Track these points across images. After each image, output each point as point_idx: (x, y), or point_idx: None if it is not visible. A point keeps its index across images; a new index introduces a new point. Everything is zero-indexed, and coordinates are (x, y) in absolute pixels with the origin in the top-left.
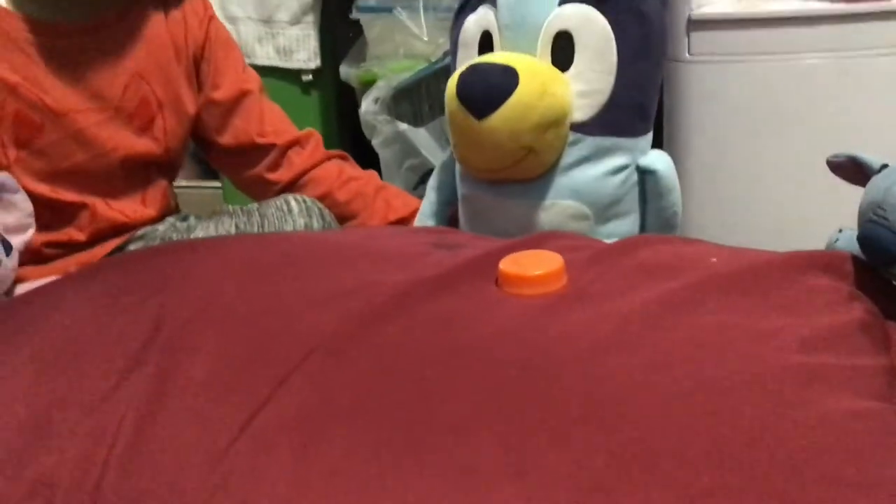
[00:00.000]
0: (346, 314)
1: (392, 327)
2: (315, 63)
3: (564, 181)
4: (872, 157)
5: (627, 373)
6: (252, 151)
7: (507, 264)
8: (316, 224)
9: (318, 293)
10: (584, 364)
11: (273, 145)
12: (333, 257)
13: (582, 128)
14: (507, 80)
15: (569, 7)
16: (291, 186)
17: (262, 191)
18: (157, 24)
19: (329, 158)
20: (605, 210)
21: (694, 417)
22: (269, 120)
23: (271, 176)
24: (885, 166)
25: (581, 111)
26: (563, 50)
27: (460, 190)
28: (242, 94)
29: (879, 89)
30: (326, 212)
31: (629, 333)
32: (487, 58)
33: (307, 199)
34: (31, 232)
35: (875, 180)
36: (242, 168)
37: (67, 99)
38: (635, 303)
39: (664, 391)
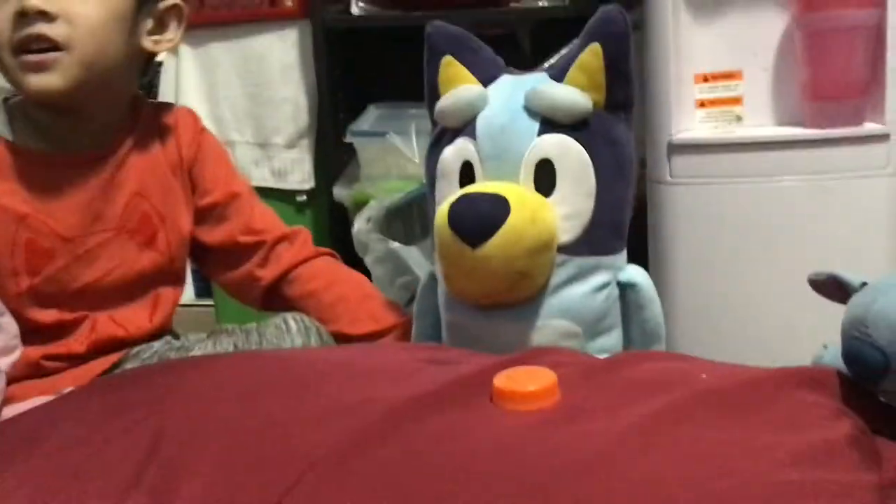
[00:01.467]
0: (341, 433)
1: (387, 446)
2: (309, 184)
3: (554, 301)
4: (852, 276)
5: (624, 489)
6: (242, 250)
7: (502, 380)
8: (314, 343)
9: (314, 411)
10: (580, 482)
11: (263, 242)
12: (328, 374)
13: (567, 249)
14: (498, 208)
15: (547, 137)
16: (279, 282)
17: (249, 289)
18: (153, 144)
19: (318, 255)
20: (592, 326)
21: None
22: (259, 218)
23: (259, 272)
24: (864, 284)
25: (566, 233)
26: (544, 176)
27: (445, 316)
28: (232, 197)
29: (856, 209)
30: (324, 330)
31: (624, 449)
32: (476, 188)
33: (305, 318)
34: (17, 353)
35: (856, 298)
36: (232, 267)
37: (73, 224)
38: (629, 419)
39: None
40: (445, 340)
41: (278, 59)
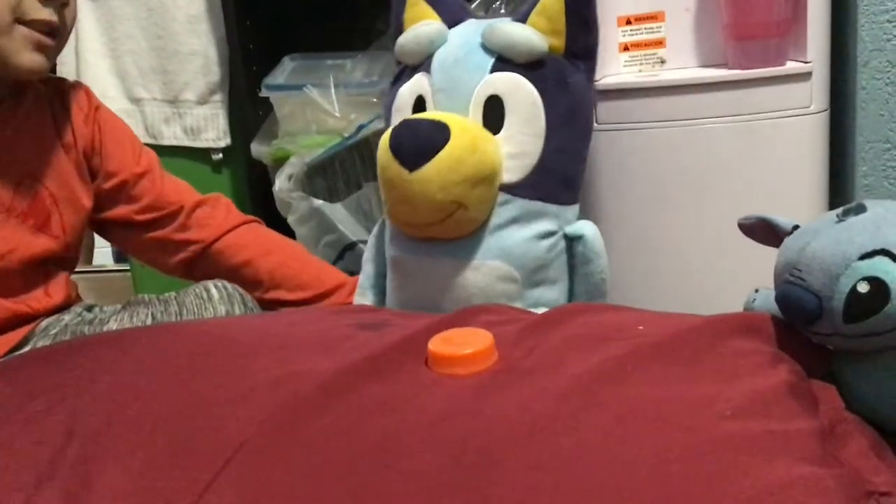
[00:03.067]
0: (270, 409)
1: (321, 419)
2: (225, 141)
3: (493, 241)
4: (783, 219)
5: (565, 454)
6: (156, 220)
7: (437, 344)
8: (237, 311)
9: (240, 387)
10: (521, 448)
11: (179, 209)
12: (254, 346)
13: (511, 189)
14: (438, 133)
15: (499, 74)
16: (206, 250)
17: (169, 255)
18: (44, 123)
19: (244, 223)
20: (532, 274)
21: (634, 496)
22: (171, 188)
23: (181, 236)
24: (796, 227)
25: (511, 172)
26: (494, 114)
27: (389, 253)
28: (140, 177)
29: (781, 149)
30: (249, 298)
31: (562, 413)
32: (420, 115)
33: (227, 285)
34: None
35: (788, 241)
36: (145, 233)
37: None
38: (566, 379)
39: (602, 471)
40: (388, 280)
41: (184, 8)
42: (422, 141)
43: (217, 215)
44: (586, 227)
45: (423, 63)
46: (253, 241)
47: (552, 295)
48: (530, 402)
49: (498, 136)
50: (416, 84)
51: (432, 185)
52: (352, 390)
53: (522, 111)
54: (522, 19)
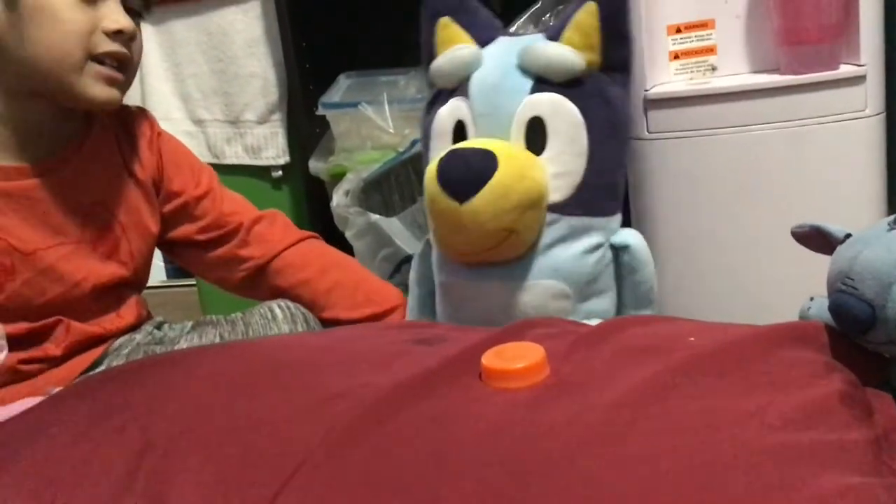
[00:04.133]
0: (332, 422)
1: (379, 434)
2: (284, 159)
3: (544, 261)
4: (836, 227)
5: (617, 466)
6: (218, 238)
7: (490, 358)
8: (300, 329)
9: (302, 403)
10: (573, 460)
11: (239, 226)
12: (315, 363)
13: (558, 208)
14: (487, 163)
15: (540, 95)
16: (266, 266)
17: (233, 270)
18: (111, 153)
19: (303, 239)
20: (583, 288)
21: None
22: (230, 206)
23: (242, 252)
24: (848, 235)
25: (557, 192)
26: (536, 135)
27: (438, 278)
28: (201, 197)
29: (835, 154)
30: (311, 316)
31: (615, 425)
32: (466, 143)
33: (290, 304)
34: (3, 354)
35: (840, 250)
36: (209, 252)
37: (31, 238)
38: (619, 391)
39: (654, 482)
40: (438, 304)
41: (242, 33)
42: (471, 173)
43: (275, 232)
44: (631, 237)
45: (458, 86)
46: (311, 259)
47: (603, 305)
48: (582, 415)
49: (542, 157)
50: (456, 109)
51: (483, 216)
52: (407, 405)
53: (564, 131)
54: (556, 36)
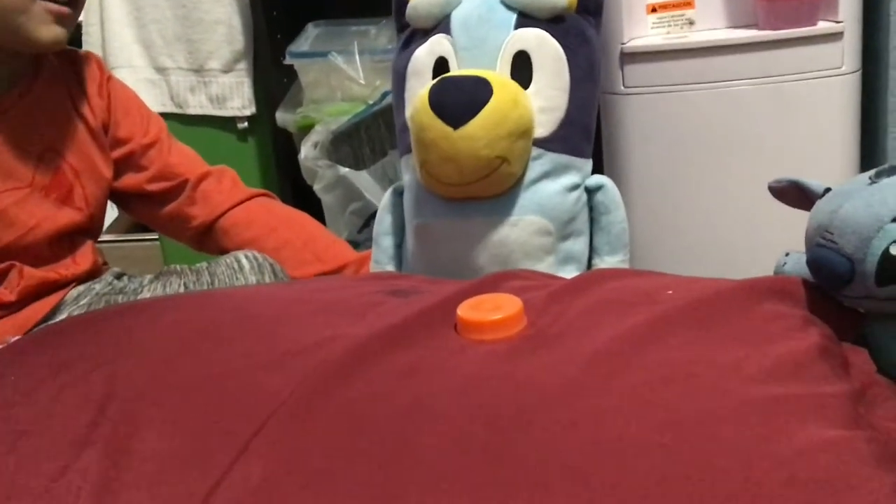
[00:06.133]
0: (304, 373)
1: (353, 385)
2: (250, 110)
3: (529, 196)
4: (814, 182)
5: (598, 417)
6: (164, 192)
7: (466, 310)
8: (268, 281)
9: (275, 352)
10: (553, 411)
11: (185, 181)
12: (287, 313)
13: (543, 143)
14: (481, 89)
15: (525, 30)
16: (213, 225)
17: (181, 228)
18: (60, 96)
19: (251, 197)
20: (564, 226)
21: (671, 459)
22: (178, 159)
23: (189, 210)
24: (828, 190)
25: (542, 127)
26: (521, 69)
27: (416, 220)
28: (148, 146)
29: (811, 111)
30: (278, 267)
31: (594, 376)
32: (457, 72)
33: (258, 255)
34: None
35: (820, 204)
36: (158, 208)
37: None
38: (597, 343)
39: (637, 434)
40: (413, 250)
41: None
42: (466, 97)
43: (222, 189)
44: (604, 178)
45: (434, 27)
46: (259, 217)
47: (579, 247)
48: (560, 366)
49: (527, 90)
50: (436, 45)
51: (479, 142)
52: (383, 355)
53: (549, 66)
54: None
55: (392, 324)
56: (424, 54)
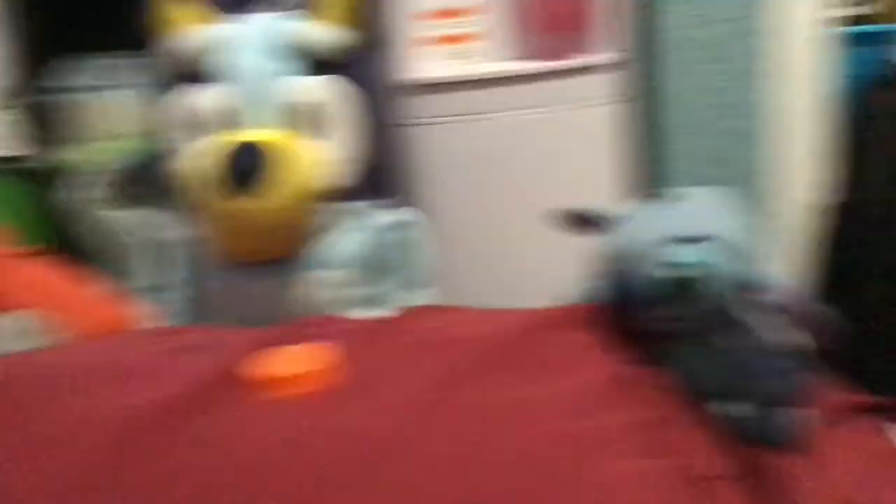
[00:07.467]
0: (87, 455)
1: (142, 467)
2: (13, 150)
3: (329, 250)
4: (594, 207)
5: (409, 477)
6: None
7: (264, 366)
8: (35, 345)
9: (50, 431)
10: (366, 475)
11: None
12: (62, 383)
13: (338, 195)
14: (267, 155)
15: (305, 79)
16: None
17: None
18: None
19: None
20: (368, 273)
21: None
22: None
23: None
24: (608, 215)
25: (338, 178)
26: (309, 120)
27: (209, 285)
28: None
29: (586, 138)
30: (51, 327)
31: (404, 431)
32: (244, 137)
33: (22, 316)
34: None
35: (614, 230)
36: None
37: None
38: (405, 394)
39: (445, 487)
40: (203, 311)
41: None
42: (253, 166)
43: None
44: (410, 215)
45: (206, 71)
46: (19, 285)
47: (387, 287)
48: (369, 422)
49: (320, 143)
50: (218, 97)
51: (270, 206)
52: (176, 429)
53: (338, 114)
54: (312, 15)
55: (184, 389)
56: (207, 104)
